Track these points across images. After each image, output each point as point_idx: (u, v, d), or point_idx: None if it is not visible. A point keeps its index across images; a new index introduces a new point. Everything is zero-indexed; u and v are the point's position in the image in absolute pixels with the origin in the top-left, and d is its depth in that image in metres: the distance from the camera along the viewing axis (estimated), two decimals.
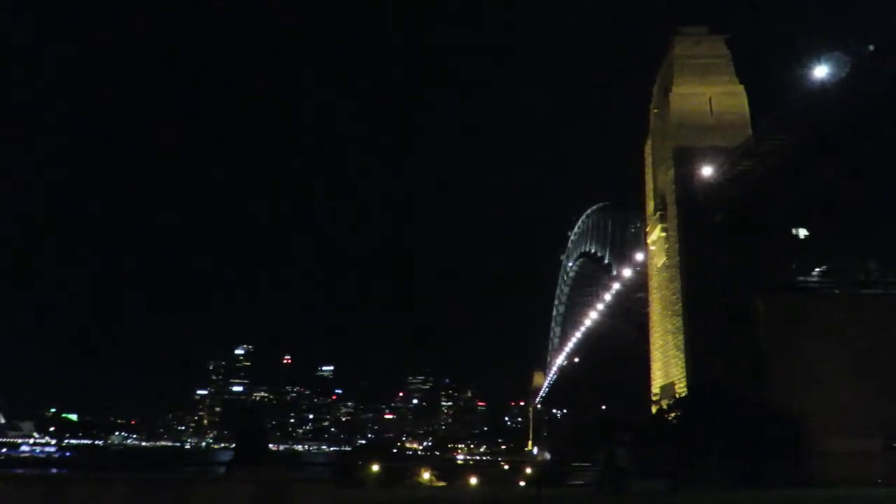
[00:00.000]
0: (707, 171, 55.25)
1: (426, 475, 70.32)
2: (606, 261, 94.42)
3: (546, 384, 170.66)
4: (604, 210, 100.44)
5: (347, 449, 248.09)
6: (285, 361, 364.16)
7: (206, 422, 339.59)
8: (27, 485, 14.50)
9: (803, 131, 45.31)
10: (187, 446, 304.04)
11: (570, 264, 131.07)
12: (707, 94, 59.19)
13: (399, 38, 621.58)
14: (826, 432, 40.31)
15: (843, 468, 37.38)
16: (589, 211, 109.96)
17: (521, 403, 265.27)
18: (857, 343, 44.71)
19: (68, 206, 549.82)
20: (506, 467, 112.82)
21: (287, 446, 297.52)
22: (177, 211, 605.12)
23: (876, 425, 41.97)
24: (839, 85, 41.43)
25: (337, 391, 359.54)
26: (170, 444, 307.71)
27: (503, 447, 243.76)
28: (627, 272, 78.82)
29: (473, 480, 67.56)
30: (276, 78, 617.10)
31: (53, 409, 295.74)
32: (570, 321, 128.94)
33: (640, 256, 73.14)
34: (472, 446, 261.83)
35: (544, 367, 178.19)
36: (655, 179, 65.16)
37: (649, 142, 68.66)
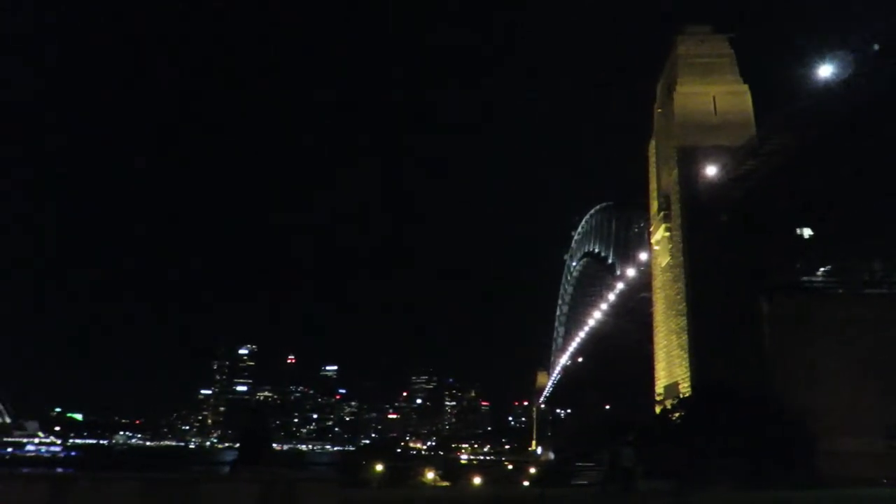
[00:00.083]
0: (711, 170, 55.18)
1: (430, 475, 70.35)
2: (610, 260, 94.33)
3: (550, 384, 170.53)
4: (607, 210, 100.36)
5: (351, 449, 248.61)
6: (289, 361, 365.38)
7: (210, 421, 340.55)
8: (32, 484, 14.53)
9: (807, 131, 45.22)
10: (191, 446, 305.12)
11: (574, 264, 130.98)
12: (711, 93, 59.09)
13: (399, 38, 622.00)
14: (832, 432, 40.19)
15: (848, 468, 37.25)
16: (592, 210, 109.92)
17: (525, 403, 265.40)
18: (862, 343, 44.60)
19: (68, 206, 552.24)
20: (510, 467, 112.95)
21: (291, 446, 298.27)
22: (178, 211, 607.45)
23: (882, 425, 41.88)
24: (843, 85, 41.34)
25: (341, 391, 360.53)
26: (174, 443, 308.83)
27: (507, 447, 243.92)
28: (631, 272, 78.76)
29: (477, 480, 67.63)
30: (276, 78, 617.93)
31: (58, 409, 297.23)
32: (574, 321, 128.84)
33: (643, 256, 73.06)
34: (475, 446, 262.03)
35: (548, 367, 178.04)
36: (659, 179, 65.09)
37: (653, 141, 68.58)
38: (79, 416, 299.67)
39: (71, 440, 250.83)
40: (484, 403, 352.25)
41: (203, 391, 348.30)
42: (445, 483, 65.75)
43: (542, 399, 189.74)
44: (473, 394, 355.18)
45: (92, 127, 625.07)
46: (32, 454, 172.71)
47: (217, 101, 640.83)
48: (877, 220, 48.63)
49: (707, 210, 54.93)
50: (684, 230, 57.51)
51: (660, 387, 62.22)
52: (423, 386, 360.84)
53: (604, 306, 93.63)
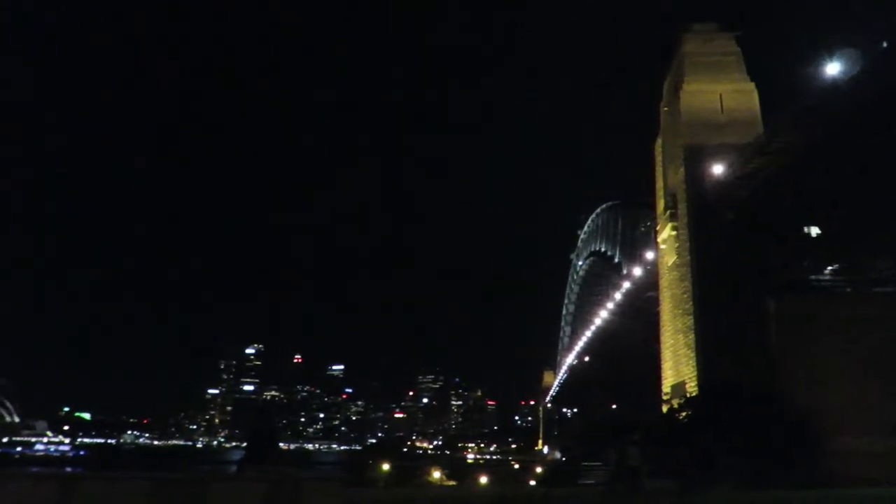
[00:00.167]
0: (718, 169, 54.98)
1: (436, 474, 70.44)
2: (616, 259, 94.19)
3: (556, 383, 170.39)
4: (614, 208, 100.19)
5: (358, 448, 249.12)
6: (296, 361, 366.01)
7: (217, 421, 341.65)
8: (42, 483, 14.63)
9: (814, 129, 45.01)
10: (199, 445, 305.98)
11: (580, 263, 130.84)
12: (718, 91, 58.89)
13: (399, 38, 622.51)
14: (839, 431, 40.00)
15: (856, 468, 37.07)
16: (599, 209, 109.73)
17: (531, 402, 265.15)
18: (870, 341, 44.36)
19: (68, 206, 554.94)
20: (516, 466, 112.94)
21: (298, 445, 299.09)
22: (178, 211, 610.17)
23: (888, 424, 41.63)
24: (851, 82, 41.15)
25: (347, 390, 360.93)
26: (181, 443, 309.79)
27: (513, 446, 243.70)
28: (638, 271, 78.59)
29: (484, 479, 67.66)
30: (276, 78, 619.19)
31: (67, 409, 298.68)
32: (580, 320, 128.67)
33: (650, 255, 72.89)
34: (482, 445, 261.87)
35: (554, 367, 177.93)
36: (666, 177, 64.91)
37: (659, 140, 68.39)
38: (87, 416, 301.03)
39: (79, 439, 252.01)
40: (490, 403, 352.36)
41: (210, 391, 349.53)
42: (452, 482, 65.81)
43: (548, 398, 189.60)
44: (479, 393, 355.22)
45: (92, 127, 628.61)
46: (41, 453, 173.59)
47: (217, 101, 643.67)
48: (884, 218, 48.38)
49: (714, 209, 54.74)
50: (691, 229, 57.34)
51: (666, 386, 62.05)
52: (430, 385, 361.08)
53: (610, 305, 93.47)
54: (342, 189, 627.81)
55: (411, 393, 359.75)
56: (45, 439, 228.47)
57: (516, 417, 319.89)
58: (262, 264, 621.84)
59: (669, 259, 62.92)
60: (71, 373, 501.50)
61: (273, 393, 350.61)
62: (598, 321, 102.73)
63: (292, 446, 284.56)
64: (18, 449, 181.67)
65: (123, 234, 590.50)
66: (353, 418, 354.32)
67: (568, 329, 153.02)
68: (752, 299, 48.22)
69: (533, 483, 59.48)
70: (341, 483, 17.95)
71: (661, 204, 65.83)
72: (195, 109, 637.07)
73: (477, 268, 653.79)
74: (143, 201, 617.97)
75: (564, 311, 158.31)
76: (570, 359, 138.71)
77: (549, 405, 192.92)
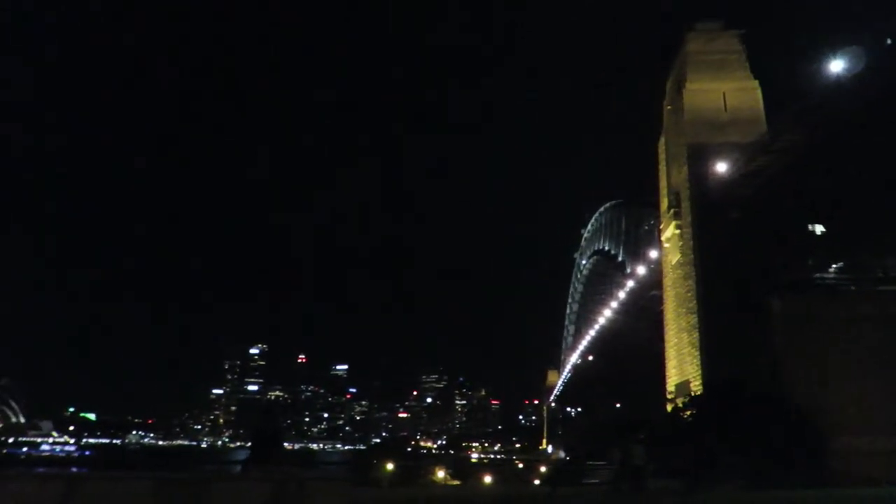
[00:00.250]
0: (721, 167, 54.91)
1: (440, 474, 70.38)
2: (620, 258, 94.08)
3: (560, 382, 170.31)
4: (617, 207, 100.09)
5: (362, 448, 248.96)
6: (300, 361, 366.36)
7: (221, 421, 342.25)
8: (47, 483, 14.70)
9: (818, 127, 44.92)
10: (203, 445, 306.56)
11: (584, 262, 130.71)
12: (721, 90, 58.81)
13: (399, 38, 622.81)
14: (844, 431, 39.92)
15: (858, 467, 37.01)
16: (602, 208, 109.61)
17: (535, 402, 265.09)
18: (875, 340, 44.22)
19: (68, 206, 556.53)
20: (520, 466, 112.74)
21: (302, 445, 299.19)
22: (178, 211, 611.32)
23: (892, 423, 41.50)
24: (854, 80, 41.04)
25: (351, 390, 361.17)
26: (186, 443, 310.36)
27: (517, 445, 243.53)
28: (641, 270, 78.53)
29: (488, 479, 67.61)
30: (276, 78, 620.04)
31: (72, 409, 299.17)
32: (584, 319, 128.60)
33: (654, 254, 72.83)
34: (486, 445, 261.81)
35: (558, 366, 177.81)
36: (669, 176, 64.84)
37: (663, 139, 68.33)
38: (92, 416, 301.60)
39: (84, 440, 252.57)
40: (494, 402, 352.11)
41: (215, 391, 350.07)
42: (456, 482, 65.79)
43: (552, 398, 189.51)
44: (483, 392, 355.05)
45: (92, 127, 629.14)
46: (47, 454, 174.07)
47: (217, 101, 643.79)
48: (889, 216, 48.26)
49: (717, 207, 54.67)
50: (695, 227, 57.27)
51: (670, 385, 61.99)
52: (434, 385, 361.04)
53: (614, 304, 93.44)
54: (342, 189, 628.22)
55: (415, 393, 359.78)
56: (51, 439, 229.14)
57: (520, 417, 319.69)
58: (263, 264, 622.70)
59: (673, 258, 62.84)
60: (75, 373, 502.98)
61: (277, 393, 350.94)
62: (601, 320, 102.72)
63: (296, 446, 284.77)
64: (24, 449, 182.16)
65: (123, 234, 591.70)
66: (357, 418, 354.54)
67: (572, 328, 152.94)
68: (756, 298, 48.13)
69: (537, 482, 59.41)
70: (348, 483, 17.96)
71: (664, 203, 65.76)
72: (195, 109, 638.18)
73: (479, 267, 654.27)
74: (142, 201, 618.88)
75: (568, 311, 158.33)
76: (574, 358, 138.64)
77: (552, 404, 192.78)
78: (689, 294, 57.55)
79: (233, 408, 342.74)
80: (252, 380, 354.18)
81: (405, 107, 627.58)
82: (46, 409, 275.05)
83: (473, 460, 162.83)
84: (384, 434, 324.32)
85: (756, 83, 59.17)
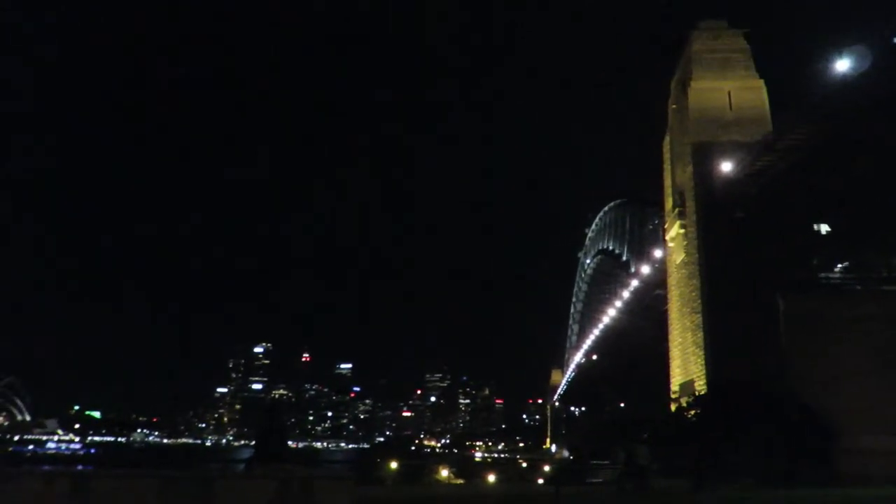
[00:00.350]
0: (726, 166, 54.77)
1: (444, 472, 70.37)
2: (624, 258, 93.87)
3: (564, 382, 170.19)
4: (621, 207, 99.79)
5: (366, 446, 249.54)
6: (304, 359, 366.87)
7: (226, 419, 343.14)
8: (53, 481, 14.75)
9: (823, 125, 44.78)
10: (208, 443, 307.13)
11: (588, 261, 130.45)
12: (726, 88, 58.65)
13: (399, 38, 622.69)
14: (850, 430, 39.78)
15: (867, 466, 36.88)
16: (606, 207, 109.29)
17: (539, 401, 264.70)
18: (881, 339, 44.09)
19: (68, 206, 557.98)
20: (524, 465, 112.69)
21: (306, 444, 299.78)
22: (178, 211, 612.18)
23: None
24: (860, 78, 40.89)
25: (355, 389, 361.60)
26: (191, 441, 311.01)
27: (521, 445, 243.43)
28: (646, 269, 78.36)
29: (491, 478, 67.58)
30: (276, 78, 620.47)
31: (77, 407, 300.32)
32: (588, 318, 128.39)
33: (658, 253, 72.68)
34: (490, 444, 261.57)
35: (562, 365, 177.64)
36: (674, 175, 64.72)
37: (667, 138, 68.19)
38: (97, 414, 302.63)
39: (90, 438, 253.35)
40: (498, 401, 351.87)
41: (219, 389, 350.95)
42: (459, 481, 65.79)
43: (556, 397, 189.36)
44: (487, 392, 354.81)
45: (92, 127, 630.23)
46: (52, 451, 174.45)
47: (217, 102, 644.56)
48: (893, 216, 48.07)
49: (722, 206, 54.56)
50: (699, 227, 57.15)
51: (675, 384, 61.91)
52: (437, 384, 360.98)
53: (618, 304, 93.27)
54: (342, 189, 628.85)
55: (419, 391, 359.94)
56: (56, 437, 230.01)
57: (524, 416, 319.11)
58: (263, 264, 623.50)
59: (678, 257, 62.73)
60: (80, 372, 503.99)
61: (281, 391, 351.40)
62: (606, 319, 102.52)
63: (301, 445, 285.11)
64: (30, 447, 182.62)
65: (123, 235, 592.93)
66: (362, 417, 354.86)
67: (576, 327, 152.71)
68: (761, 297, 48.02)
69: (541, 482, 59.39)
70: (351, 481, 17.97)
71: (669, 202, 65.65)
72: (195, 109, 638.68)
73: (483, 267, 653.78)
74: (142, 201, 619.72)
75: (572, 310, 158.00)
76: (578, 357, 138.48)
77: (556, 404, 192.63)
78: (694, 293, 57.44)
79: (237, 406, 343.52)
80: (256, 378, 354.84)
81: (405, 107, 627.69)
82: (52, 408, 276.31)
83: (477, 459, 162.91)
84: (388, 433, 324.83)
85: (761, 82, 59.01)
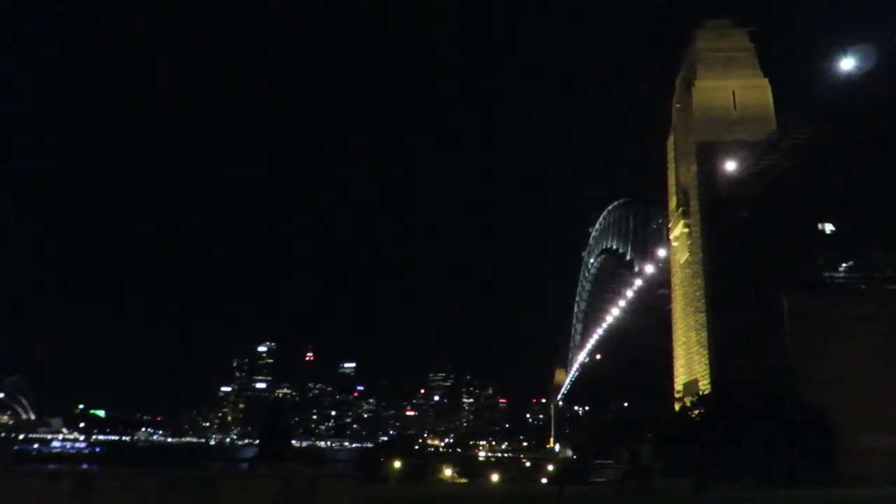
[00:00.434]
0: (730, 165, 54.67)
1: (448, 472, 70.55)
2: (628, 257, 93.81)
3: (568, 381, 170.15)
4: (625, 206, 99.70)
5: (370, 446, 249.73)
6: (308, 359, 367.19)
7: (230, 418, 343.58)
8: (57, 480, 14.80)
9: (828, 124, 44.66)
10: (212, 442, 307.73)
11: (592, 261, 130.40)
12: (730, 87, 58.54)
13: (399, 38, 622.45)
14: (854, 430, 39.69)
15: (868, 466, 36.81)
16: (610, 207, 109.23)
17: (543, 400, 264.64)
18: (885, 338, 43.98)
19: (68, 206, 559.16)
20: (528, 464, 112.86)
21: (310, 443, 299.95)
22: (178, 211, 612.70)
23: None
24: (865, 77, 40.78)
25: (359, 388, 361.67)
26: (195, 440, 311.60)
27: (525, 444, 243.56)
28: (650, 268, 78.30)
29: (495, 477, 67.71)
30: (276, 78, 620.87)
31: (81, 406, 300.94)
32: (592, 318, 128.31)
33: (662, 252, 72.60)
34: (493, 443, 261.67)
35: (566, 364, 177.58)
36: (678, 174, 64.62)
37: (671, 137, 68.08)
38: (101, 413, 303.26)
39: (94, 436, 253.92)
40: (502, 401, 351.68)
41: (223, 388, 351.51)
42: (463, 480, 65.88)
43: (559, 396, 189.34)
44: (491, 391, 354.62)
45: (92, 127, 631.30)
46: (57, 450, 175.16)
47: (217, 102, 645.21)
48: None
49: (726, 206, 54.45)
50: (703, 226, 57.05)
51: (679, 384, 61.81)
52: (441, 383, 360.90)
53: (622, 303, 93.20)
54: (342, 189, 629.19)
55: (423, 391, 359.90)
56: (61, 436, 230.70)
57: (528, 415, 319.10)
58: (263, 264, 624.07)
59: (682, 256, 62.62)
60: (80, 372, 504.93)
61: (285, 391, 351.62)
62: (609, 319, 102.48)
63: (304, 444, 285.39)
64: (35, 446, 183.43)
65: (123, 235, 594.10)
66: (365, 416, 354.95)
67: (580, 327, 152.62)
68: (766, 297, 47.92)
69: (545, 481, 59.44)
70: (355, 480, 18.00)
71: (673, 201, 65.54)
72: (195, 109, 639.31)
73: (483, 267, 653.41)
74: (142, 201, 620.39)
75: (576, 309, 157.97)
76: (582, 357, 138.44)
77: (560, 403, 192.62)
78: (698, 293, 57.35)
79: (241, 405, 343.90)
80: (260, 378, 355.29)
81: (405, 107, 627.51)
82: (53, 407, 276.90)
83: (481, 459, 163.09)
84: (392, 432, 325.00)
85: (765, 81, 58.87)
